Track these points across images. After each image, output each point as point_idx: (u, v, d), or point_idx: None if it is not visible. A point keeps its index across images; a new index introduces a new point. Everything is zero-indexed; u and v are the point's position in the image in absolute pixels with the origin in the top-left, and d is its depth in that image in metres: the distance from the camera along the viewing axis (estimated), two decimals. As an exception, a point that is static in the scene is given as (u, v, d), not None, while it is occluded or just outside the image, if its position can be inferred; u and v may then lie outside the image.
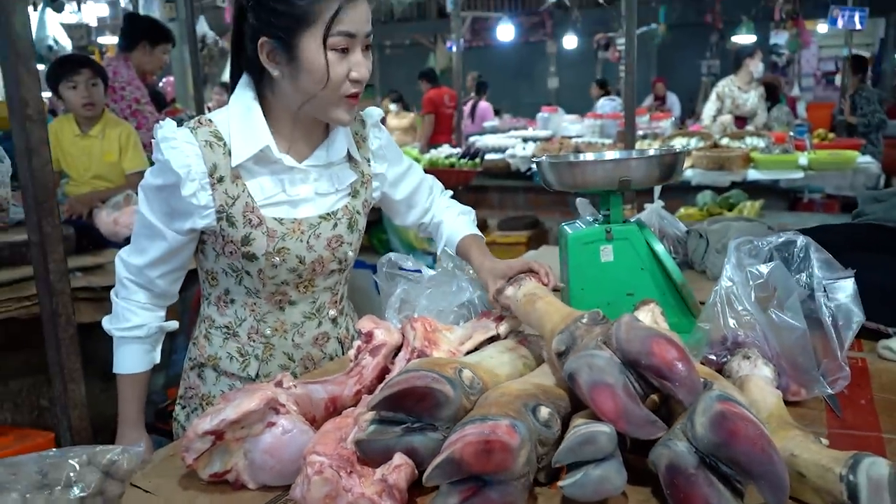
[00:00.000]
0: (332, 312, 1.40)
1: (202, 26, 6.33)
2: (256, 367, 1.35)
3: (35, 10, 6.03)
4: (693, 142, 5.36)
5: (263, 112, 1.26)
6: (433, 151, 5.50)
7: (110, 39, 9.25)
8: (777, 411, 0.98)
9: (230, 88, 1.30)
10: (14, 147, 0.82)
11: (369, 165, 1.39)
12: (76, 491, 0.75)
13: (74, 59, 3.02)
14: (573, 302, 1.41)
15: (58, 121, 3.02)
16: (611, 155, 1.45)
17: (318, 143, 1.31)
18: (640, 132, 6.07)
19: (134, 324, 1.32)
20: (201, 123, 1.24)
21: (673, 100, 10.11)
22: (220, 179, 1.22)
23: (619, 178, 1.32)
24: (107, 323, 1.34)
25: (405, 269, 1.36)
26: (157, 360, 1.37)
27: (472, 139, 6.30)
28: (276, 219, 1.26)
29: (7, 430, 2.02)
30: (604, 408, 0.85)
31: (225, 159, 1.22)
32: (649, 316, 1.18)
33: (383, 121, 1.63)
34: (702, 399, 0.85)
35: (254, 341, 1.35)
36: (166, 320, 1.38)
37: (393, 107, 9.59)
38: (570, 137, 6.10)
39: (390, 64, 15.13)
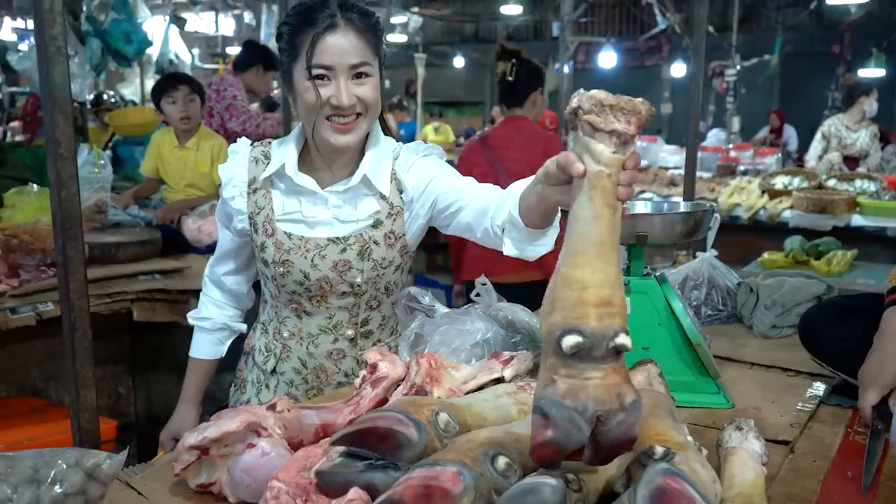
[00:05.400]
0: (350, 332, 1.47)
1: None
2: (274, 364, 1.50)
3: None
4: (796, 181, 5.11)
5: (308, 143, 1.41)
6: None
7: (236, 51, 9.90)
8: (749, 490, 0.96)
9: None
10: (48, 177, 0.94)
11: (400, 197, 1.43)
12: (58, 488, 0.85)
13: (175, 76, 3.30)
14: (587, 350, 1.41)
15: (160, 133, 3.31)
16: (630, 209, 1.44)
17: (347, 173, 1.41)
18: (742, 167, 5.86)
19: (203, 315, 1.55)
20: (261, 143, 1.45)
21: (790, 133, 9.63)
22: (255, 191, 1.41)
23: (636, 234, 1.32)
24: (189, 314, 1.58)
25: (422, 304, 1.41)
26: (222, 354, 1.58)
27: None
28: (286, 233, 1.39)
29: (78, 414, 2.22)
30: None
31: (262, 174, 1.41)
32: (645, 376, 1.17)
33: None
34: (649, 470, 0.85)
35: (276, 340, 1.50)
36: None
37: (435, 123, 9.77)
38: (668, 169, 5.96)
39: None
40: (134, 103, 7.18)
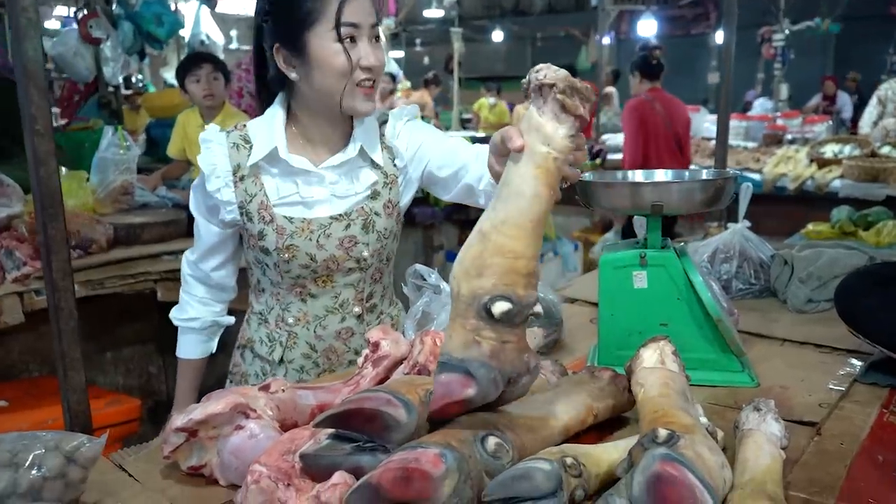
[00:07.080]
0: (357, 309, 1.44)
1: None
2: (281, 353, 1.45)
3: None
4: (847, 149, 4.89)
5: (290, 121, 1.36)
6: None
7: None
8: (763, 476, 0.89)
9: (258, 104, 1.41)
10: (26, 156, 0.92)
11: (394, 165, 1.41)
12: (35, 472, 0.83)
13: (198, 55, 3.28)
14: (602, 327, 1.35)
15: (184, 113, 3.30)
16: (647, 177, 1.36)
17: (338, 147, 1.37)
18: (790, 136, 5.63)
19: (190, 316, 1.48)
20: (236, 128, 1.37)
21: (844, 100, 9.24)
22: (242, 178, 1.34)
23: (652, 203, 1.24)
24: (172, 313, 1.51)
25: (427, 282, 1.36)
26: (213, 350, 1.52)
27: (604, 137, 6.13)
28: (286, 217, 1.34)
29: (103, 393, 2.24)
30: None
31: (247, 160, 1.33)
32: (657, 354, 1.10)
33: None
34: (646, 455, 0.79)
35: (280, 328, 1.45)
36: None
37: (492, 99, 9.56)
38: (710, 139, 5.76)
39: (542, 56, 14.98)
40: (172, 86, 7.29)
